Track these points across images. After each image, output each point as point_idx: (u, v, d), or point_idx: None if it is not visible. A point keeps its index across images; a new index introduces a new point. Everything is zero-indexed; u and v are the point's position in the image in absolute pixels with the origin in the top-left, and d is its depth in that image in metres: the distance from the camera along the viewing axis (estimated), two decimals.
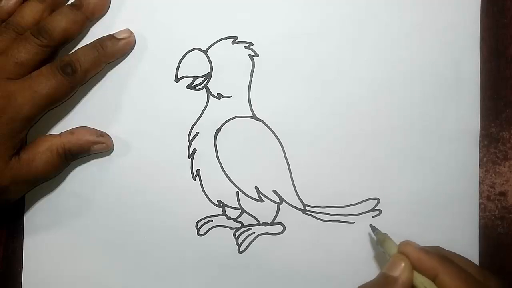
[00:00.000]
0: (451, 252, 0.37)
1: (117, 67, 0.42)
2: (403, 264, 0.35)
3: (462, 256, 0.37)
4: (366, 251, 0.42)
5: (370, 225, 0.41)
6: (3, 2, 0.41)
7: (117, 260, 0.43)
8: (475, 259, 0.41)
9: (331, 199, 0.42)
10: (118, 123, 0.42)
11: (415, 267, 0.35)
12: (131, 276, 0.42)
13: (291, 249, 0.42)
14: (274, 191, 0.42)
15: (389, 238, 0.38)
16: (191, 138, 0.42)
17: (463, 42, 0.42)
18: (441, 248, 0.38)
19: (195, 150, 0.42)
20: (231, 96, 0.42)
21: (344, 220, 0.42)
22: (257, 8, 0.42)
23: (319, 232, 0.42)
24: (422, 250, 0.35)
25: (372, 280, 0.36)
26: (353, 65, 0.42)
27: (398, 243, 0.37)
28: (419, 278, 0.35)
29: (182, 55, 0.42)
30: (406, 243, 0.36)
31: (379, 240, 0.39)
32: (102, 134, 0.42)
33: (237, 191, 0.42)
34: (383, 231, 0.39)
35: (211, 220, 0.42)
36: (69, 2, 0.42)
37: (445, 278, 0.33)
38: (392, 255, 0.36)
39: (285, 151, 0.42)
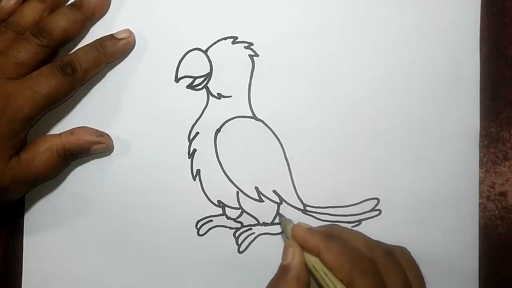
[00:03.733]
0: (342, 228, 0.38)
1: (117, 67, 0.42)
2: (291, 250, 0.35)
3: (354, 230, 0.37)
4: None
5: (278, 213, 0.41)
6: (3, 2, 0.41)
7: (117, 260, 0.43)
8: (475, 259, 0.41)
9: (331, 199, 0.42)
10: (118, 123, 0.42)
11: (303, 248, 0.35)
12: (131, 276, 0.42)
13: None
14: (274, 191, 0.42)
15: (291, 223, 0.38)
16: (191, 138, 0.42)
17: (463, 42, 0.42)
18: (335, 225, 0.38)
19: (195, 150, 0.42)
20: (231, 96, 0.42)
21: (344, 220, 0.42)
22: (257, 8, 0.42)
23: None
24: (307, 230, 0.36)
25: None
26: (353, 65, 0.42)
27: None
28: (307, 258, 0.35)
29: (182, 55, 0.42)
30: (296, 225, 0.36)
31: (282, 226, 0.40)
32: (102, 134, 0.42)
33: (237, 191, 0.42)
34: (382, 231, 0.39)
35: (211, 220, 0.42)
36: (69, 2, 0.42)
37: (325, 254, 0.34)
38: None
39: (285, 151, 0.42)
